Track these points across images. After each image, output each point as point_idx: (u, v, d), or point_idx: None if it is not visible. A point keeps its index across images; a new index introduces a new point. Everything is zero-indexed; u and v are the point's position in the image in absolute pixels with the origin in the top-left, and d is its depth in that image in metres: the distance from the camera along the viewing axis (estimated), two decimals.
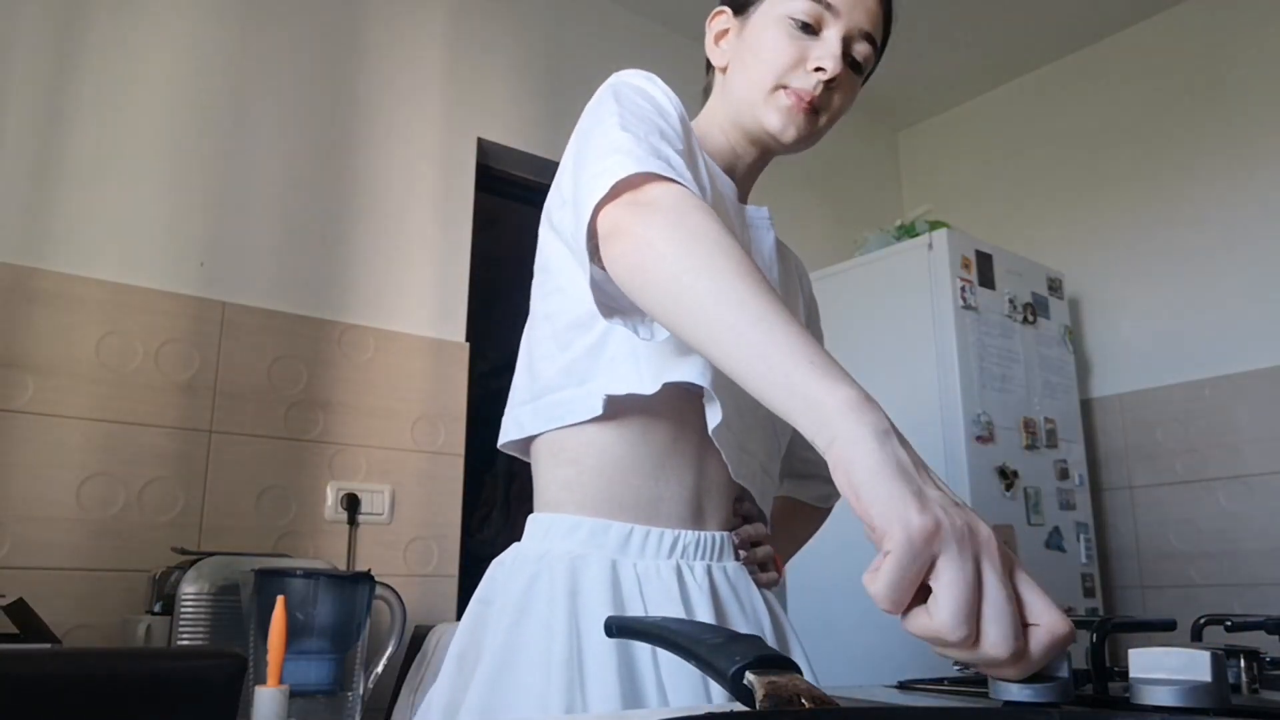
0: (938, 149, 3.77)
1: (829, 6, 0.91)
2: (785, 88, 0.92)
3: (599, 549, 0.85)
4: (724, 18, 1.00)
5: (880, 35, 0.97)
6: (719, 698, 0.79)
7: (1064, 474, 2.82)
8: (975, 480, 2.50)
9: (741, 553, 0.95)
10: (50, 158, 1.94)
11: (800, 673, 0.45)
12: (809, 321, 1.15)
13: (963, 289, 2.67)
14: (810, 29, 0.92)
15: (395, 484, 2.23)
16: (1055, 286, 3.01)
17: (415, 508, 2.26)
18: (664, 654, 0.80)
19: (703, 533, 0.89)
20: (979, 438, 2.55)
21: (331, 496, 2.14)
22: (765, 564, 0.99)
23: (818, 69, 0.91)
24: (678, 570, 0.86)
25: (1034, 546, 2.65)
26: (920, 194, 3.72)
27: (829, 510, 1.23)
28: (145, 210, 2.04)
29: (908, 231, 2.92)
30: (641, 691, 0.79)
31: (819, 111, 0.94)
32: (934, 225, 2.83)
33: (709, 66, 1.04)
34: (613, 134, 0.78)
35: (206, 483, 1.99)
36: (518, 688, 0.79)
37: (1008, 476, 2.62)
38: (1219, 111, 2.95)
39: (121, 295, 1.97)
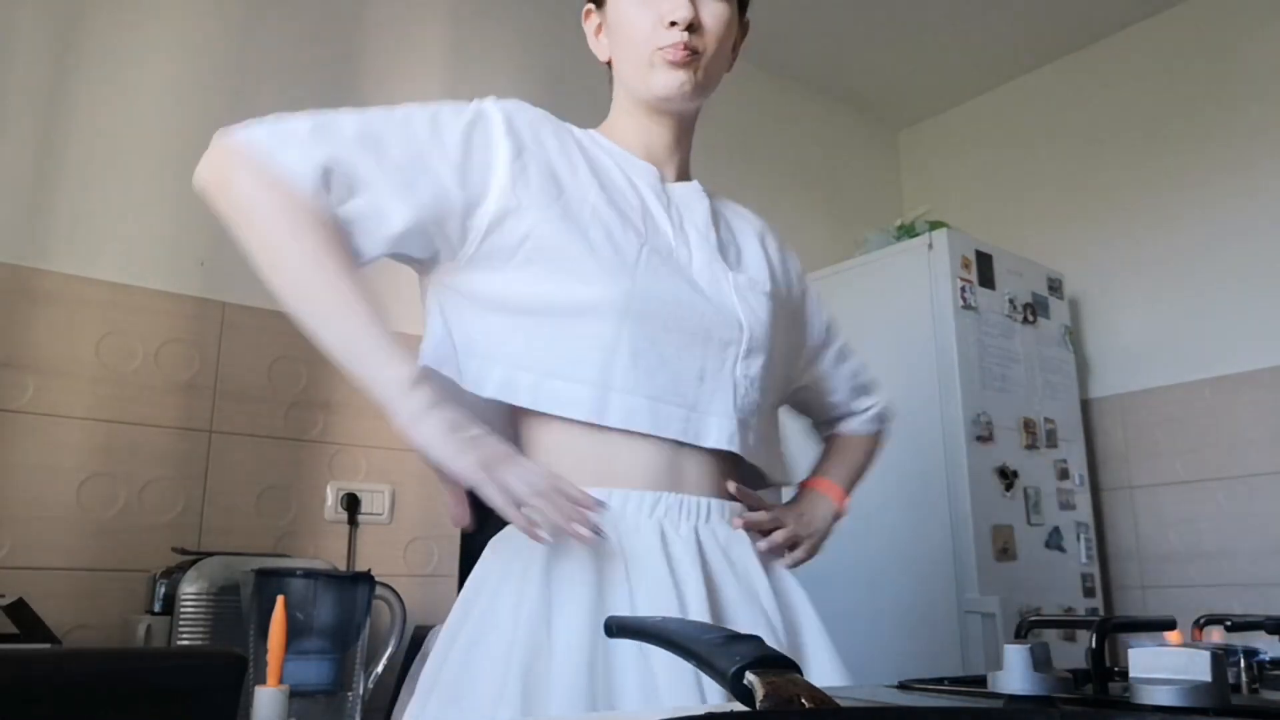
0: (938, 149, 3.77)
1: None
2: (658, 49, 0.95)
3: None
4: (593, 14, 1.05)
5: None
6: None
7: (1064, 474, 2.82)
8: (975, 480, 2.49)
9: (760, 544, 0.97)
10: (50, 158, 1.94)
11: (800, 672, 0.45)
12: (787, 283, 1.13)
13: (963, 289, 2.67)
14: None
15: (395, 484, 2.23)
16: (1055, 286, 3.01)
17: (415, 508, 2.26)
18: (639, 595, 0.83)
19: (685, 496, 0.91)
20: (979, 438, 2.55)
21: (331, 496, 2.14)
22: (794, 544, 1.03)
23: (671, 24, 0.94)
24: (660, 528, 0.88)
25: (1034, 546, 2.65)
26: (920, 194, 3.72)
27: (877, 434, 1.26)
28: (145, 210, 2.04)
29: (908, 231, 2.92)
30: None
31: (697, 52, 0.96)
32: (934, 225, 2.83)
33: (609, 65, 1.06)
34: (366, 114, 0.90)
35: (206, 483, 1.99)
36: (488, 643, 0.82)
37: (1008, 476, 2.62)
38: (1219, 111, 2.95)
39: (121, 295, 1.97)
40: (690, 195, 1.03)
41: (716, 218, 1.05)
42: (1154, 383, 2.97)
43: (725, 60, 1.01)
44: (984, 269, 2.77)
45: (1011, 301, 2.82)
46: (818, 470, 1.19)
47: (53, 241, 1.91)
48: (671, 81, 0.96)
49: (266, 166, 0.82)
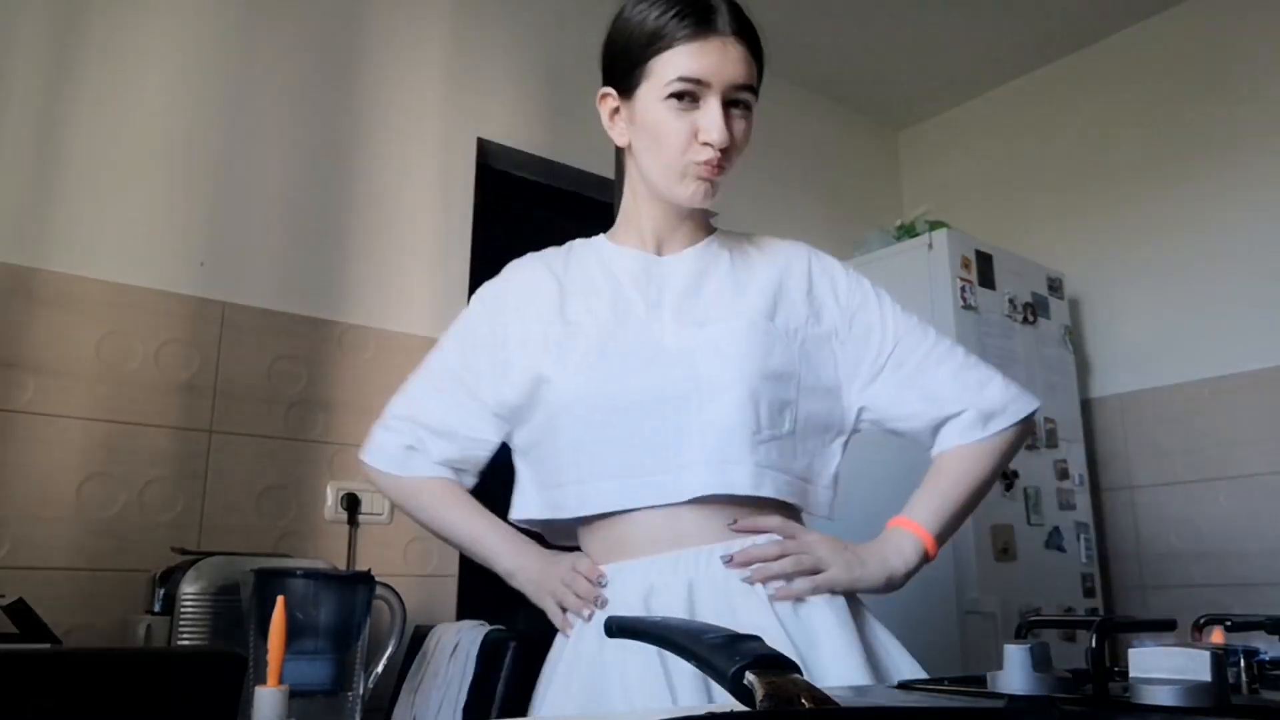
0: (938, 149, 3.77)
1: (698, 82, 0.98)
2: (692, 164, 1.00)
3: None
4: (611, 99, 1.06)
5: (756, 73, 1.03)
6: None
7: (1064, 474, 2.82)
8: None
9: (743, 573, 0.96)
10: (50, 158, 1.94)
11: (800, 672, 0.45)
12: (813, 309, 1.10)
13: (963, 289, 2.67)
14: (692, 97, 0.98)
15: None
16: (1055, 286, 3.01)
17: None
18: (629, 662, 0.92)
19: (683, 552, 0.96)
20: None
21: (331, 496, 2.14)
22: (802, 574, 0.97)
23: (706, 142, 0.98)
24: (646, 593, 0.95)
25: (1033, 546, 2.65)
26: (920, 194, 3.72)
27: (998, 440, 1.13)
28: (145, 210, 2.04)
29: (908, 231, 2.92)
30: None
31: (723, 165, 1.01)
32: (934, 225, 2.83)
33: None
34: (411, 388, 1.22)
35: (206, 483, 1.99)
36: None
37: (1007, 476, 2.62)
38: (1219, 111, 2.95)
39: (121, 295, 1.97)
40: (676, 265, 1.08)
41: (709, 273, 1.08)
42: (1154, 383, 2.97)
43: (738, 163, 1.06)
44: (984, 269, 2.77)
45: (1011, 301, 2.82)
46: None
47: (53, 241, 1.91)
48: (699, 193, 1.02)
49: (385, 475, 1.16)
